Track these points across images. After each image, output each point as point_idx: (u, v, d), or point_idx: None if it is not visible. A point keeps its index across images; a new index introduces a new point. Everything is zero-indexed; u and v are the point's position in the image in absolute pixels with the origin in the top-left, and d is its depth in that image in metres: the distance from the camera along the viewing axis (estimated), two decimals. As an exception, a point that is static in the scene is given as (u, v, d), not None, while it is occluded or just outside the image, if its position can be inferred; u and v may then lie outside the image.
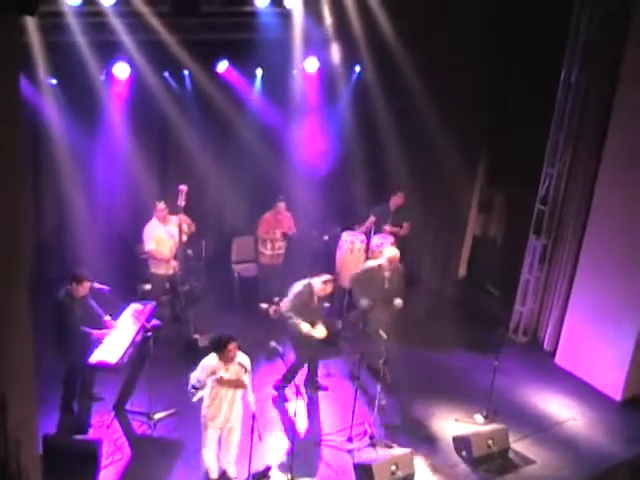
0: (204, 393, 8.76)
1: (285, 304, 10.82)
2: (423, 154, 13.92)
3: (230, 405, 8.81)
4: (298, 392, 9.02)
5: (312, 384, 11.08)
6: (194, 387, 8.66)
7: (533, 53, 12.50)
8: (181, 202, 11.84)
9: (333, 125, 14.64)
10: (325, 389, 11.24)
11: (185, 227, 12.16)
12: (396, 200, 13.63)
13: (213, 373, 8.64)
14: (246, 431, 8.70)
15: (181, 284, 12.53)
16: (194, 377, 8.69)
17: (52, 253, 12.83)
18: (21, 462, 5.25)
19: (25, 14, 4.23)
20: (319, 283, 10.60)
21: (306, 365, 11.00)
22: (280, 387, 10.98)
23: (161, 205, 12.03)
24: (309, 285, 10.63)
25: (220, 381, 8.64)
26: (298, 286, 10.69)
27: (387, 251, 11.61)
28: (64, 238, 12.98)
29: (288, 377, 10.86)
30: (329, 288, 10.73)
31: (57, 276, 10.33)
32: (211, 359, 8.71)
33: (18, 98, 5.07)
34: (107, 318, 10.14)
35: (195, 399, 8.70)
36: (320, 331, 10.57)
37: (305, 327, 10.44)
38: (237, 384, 8.69)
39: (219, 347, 8.63)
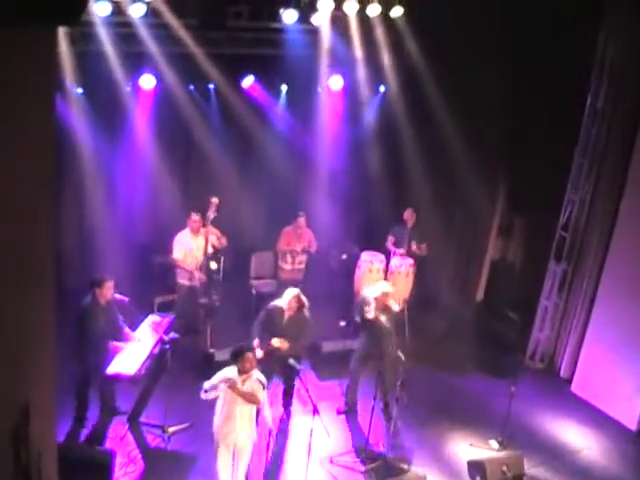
0: (217, 406, 8.70)
1: None
2: (445, 176, 13.94)
3: (242, 423, 8.70)
4: (315, 410, 8.95)
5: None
6: (206, 391, 8.61)
7: (557, 79, 12.37)
8: (211, 214, 11.92)
9: (356, 143, 14.68)
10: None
11: (214, 239, 12.25)
12: (407, 216, 13.55)
13: (228, 381, 8.60)
14: (262, 448, 8.65)
15: (202, 297, 12.54)
16: (208, 382, 8.66)
17: (72, 263, 12.82)
18: (42, 473, 5.23)
19: (67, 25, 4.24)
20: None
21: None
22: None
23: (195, 217, 12.09)
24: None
25: (233, 387, 8.52)
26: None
27: (287, 293, 10.75)
28: (84, 248, 13.00)
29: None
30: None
31: (76, 287, 10.32)
32: (230, 370, 8.66)
33: (54, 115, 5.07)
34: (127, 330, 10.15)
35: (204, 397, 8.62)
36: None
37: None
38: (250, 398, 8.58)
39: (237, 355, 8.62)
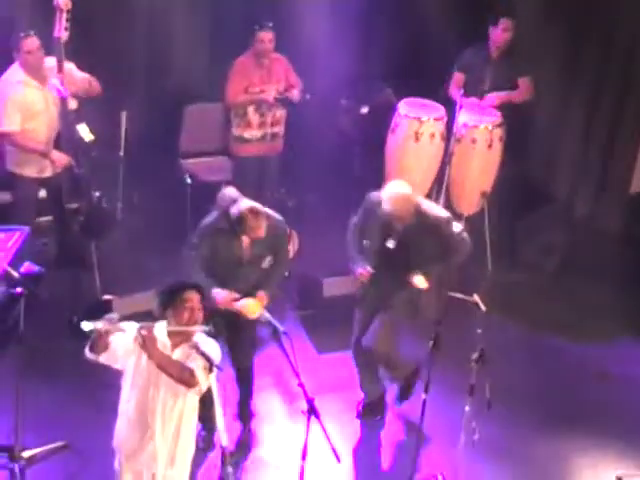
0: (121, 398, 8.51)
1: None
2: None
3: (165, 429, 8.53)
4: (313, 410, 8.85)
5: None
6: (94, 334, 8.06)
7: None
8: (60, 31, 11.79)
9: None
10: None
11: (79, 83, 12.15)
12: (499, 36, 13.71)
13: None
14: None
15: (72, 196, 12.44)
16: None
17: None
18: None
19: None
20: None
21: None
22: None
23: (31, 42, 11.76)
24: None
25: (147, 343, 8.15)
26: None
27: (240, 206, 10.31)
28: None
29: None
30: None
31: None
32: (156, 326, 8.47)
33: None
34: None
35: (92, 356, 8.17)
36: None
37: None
38: (180, 372, 8.19)
39: (169, 295, 8.49)
